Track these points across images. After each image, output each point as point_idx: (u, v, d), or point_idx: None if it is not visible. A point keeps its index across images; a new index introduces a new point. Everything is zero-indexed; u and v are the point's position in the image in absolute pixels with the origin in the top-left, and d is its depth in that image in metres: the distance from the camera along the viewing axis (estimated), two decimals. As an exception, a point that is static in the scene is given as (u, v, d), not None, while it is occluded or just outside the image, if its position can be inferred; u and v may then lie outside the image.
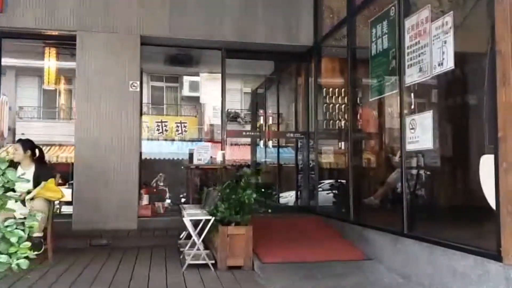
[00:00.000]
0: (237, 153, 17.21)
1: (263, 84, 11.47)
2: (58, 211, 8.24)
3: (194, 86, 17.06)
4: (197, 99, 17.78)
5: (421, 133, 4.52)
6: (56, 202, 8.73)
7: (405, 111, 4.87)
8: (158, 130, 18.98)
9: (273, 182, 10.79)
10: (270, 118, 8.35)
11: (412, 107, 5.04)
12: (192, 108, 19.50)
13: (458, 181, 5.80)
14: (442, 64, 4.20)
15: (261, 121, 7.82)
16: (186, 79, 17.34)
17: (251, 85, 12.91)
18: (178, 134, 18.37)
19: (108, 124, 7.06)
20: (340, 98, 7.52)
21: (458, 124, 5.46)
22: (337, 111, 7.68)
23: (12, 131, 19.76)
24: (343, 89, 7.63)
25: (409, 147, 4.76)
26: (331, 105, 7.84)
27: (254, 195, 5.08)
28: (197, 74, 14.16)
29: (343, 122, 7.79)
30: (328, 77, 8.10)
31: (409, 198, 4.98)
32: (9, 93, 19.30)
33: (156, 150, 17.24)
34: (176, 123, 18.87)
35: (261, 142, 7.93)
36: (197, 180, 6.94)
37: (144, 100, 19.61)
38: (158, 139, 18.07)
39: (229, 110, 18.74)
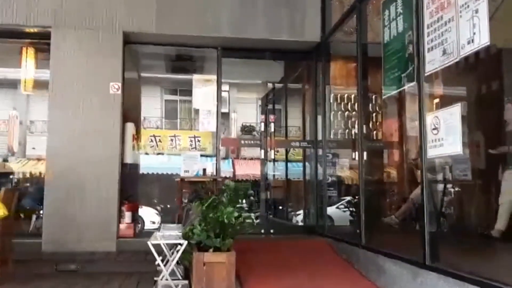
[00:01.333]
0: (249, 168, 16.26)
1: (271, 92, 10.55)
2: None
3: (224, 102, 16.45)
4: (225, 115, 17.02)
5: (446, 134, 3.46)
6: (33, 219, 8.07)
7: (426, 107, 3.83)
8: (171, 145, 18.21)
9: (283, 199, 9.79)
10: (272, 124, 7.34)
11: (435, 101, 4.00)
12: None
13: (496, 197, 4.68)
14: (473, 41, 3.16)
15: (262, 128, 6.82)
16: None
17: (261, 94, 11.99)
18: (192, 149, 17.56)
19: (85, 131, 6.20)
20: (351, 101, 6.51)
21: (495, 121, 4.36)
22: (348, 116, 6.67)
23: (23, 145, 19.37)
24: (354, 91, 6.67)
25: (431, 152, 3.70)
26: (341, 109, 6.84)
27: (236, 214, 4.08)
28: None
29: (354, 128, 6.81)
30: (338, 78, 7.10)
31: (432, 219, 3.89)
32: (20, 107, 18.97)
33: (169, 165, 16.29)
34: (189, 137, 18.09)
35: (262, 152, 6.90)
36: (184, 195, 5.97)
37: (158, 114, 18.95)
38: (171, 154, 17.26)
39: (244, 124, 17.96)
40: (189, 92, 18.76)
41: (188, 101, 18.61)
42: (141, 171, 12.81)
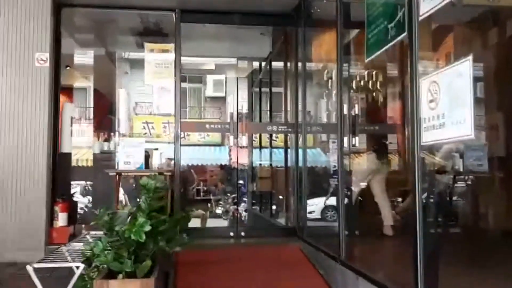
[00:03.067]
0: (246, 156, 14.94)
1: (257, 71, 9.25)
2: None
3: (219, 85, 15.32)
4: (222, 99, 15.81)
5: (450, 108, 2.19)
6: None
7: (420, 70, 2.54)
8: (164, 132, 16.94)
9: (269, 191, 8.52)
10: (243, 105, 6.07)
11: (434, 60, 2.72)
12: (215, 110, 17.32)
13: None
14: None
15: (231, 109, 5.55)
16: (210, 78, 15.47)
17: (246, 72, 10.63)
18: (201, 138, 16.26)
19: (3, 113, 5.02)
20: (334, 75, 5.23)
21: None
22: (331, 94, 5.42)
23: None
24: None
25: (427, 137, 2.43)
26: (323, 86, 5.57)
27: (148, 228, 2.86)
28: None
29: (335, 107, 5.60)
30: (319, 47, 5.81)
31: (428, 233, 2.63)
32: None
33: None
34: None
35: (231, 139, 5.65)
36: (124, 193, 4.77)
37: (151, 99, 17.63)
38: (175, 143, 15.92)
39: (238, 111, 16.60)
40: (198, 79, 17.35)
41: (198, 88, 17.33)
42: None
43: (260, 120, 9.07)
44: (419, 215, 2.60)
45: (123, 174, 4.65)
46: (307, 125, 5.59)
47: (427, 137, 2.42)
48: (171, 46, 5.81)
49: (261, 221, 7.36)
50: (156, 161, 4.80)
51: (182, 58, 5.67)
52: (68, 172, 5.77)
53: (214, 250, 4.90)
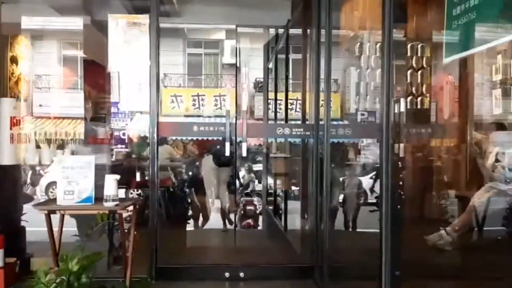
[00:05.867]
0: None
1: (272, 40, 7.58)
2: None
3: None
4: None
5: None
6: None
7: None
8: (194, 105, 15.51)
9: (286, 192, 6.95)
10: (246, 96, 4.47)
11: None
12: (233, 78, 15.95)
13: None
14: None
15: (227, 102, 3.93)
16: (228, 44, 14.18)
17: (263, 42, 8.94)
18: (217, 109, 14.87)
19: None
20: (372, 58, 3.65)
21: None
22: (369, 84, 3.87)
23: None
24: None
25: None
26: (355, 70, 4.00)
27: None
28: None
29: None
30: (350, 19, 4.19)
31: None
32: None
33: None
34: (214, 96, 15.30)
35: (227, 145, 4.07)
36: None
37: (180, 71, 16.12)
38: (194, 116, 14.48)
39: (257, 79, 14.92)
40: (215, 45, 15.73)
41: (214, 54, 15.74)
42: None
43: (276, 106, 7.43)
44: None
45: (58, 211, 3.16)
46: (331, 126, 4.01)
47: None
48: (144, 16, 4.23)
49: (273, 235, 5.85)
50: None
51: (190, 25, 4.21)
52: (15, 191, 4.37)
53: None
